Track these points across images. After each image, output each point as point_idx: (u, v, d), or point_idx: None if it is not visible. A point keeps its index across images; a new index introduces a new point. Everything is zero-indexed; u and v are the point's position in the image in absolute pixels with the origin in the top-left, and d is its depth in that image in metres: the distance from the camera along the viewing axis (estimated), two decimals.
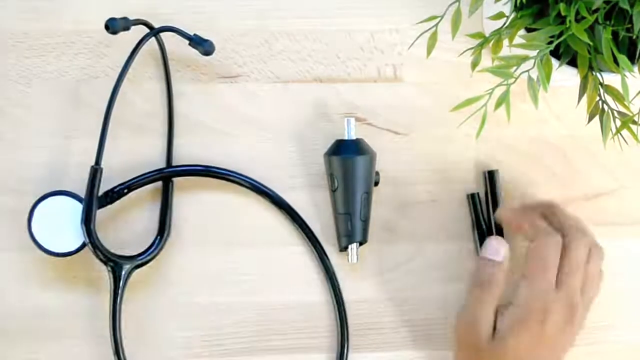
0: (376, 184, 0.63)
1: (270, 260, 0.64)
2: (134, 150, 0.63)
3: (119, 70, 0.59)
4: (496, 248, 0.59)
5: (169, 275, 0.63)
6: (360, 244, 0.63)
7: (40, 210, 0.59)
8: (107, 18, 0.58)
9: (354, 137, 0.62)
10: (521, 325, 0.56)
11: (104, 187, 0.60)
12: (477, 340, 0.57)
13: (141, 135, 0.63)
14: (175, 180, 0.63)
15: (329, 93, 0.65)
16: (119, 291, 0.59)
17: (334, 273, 0.63)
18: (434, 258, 0.65)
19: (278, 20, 0.64)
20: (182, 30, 0.60)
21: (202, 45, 0.60)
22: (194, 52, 0.63)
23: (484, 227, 0.64)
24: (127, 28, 0.59)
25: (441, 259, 0.65)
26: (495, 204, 0.64)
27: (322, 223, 0.64)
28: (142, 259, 0.61)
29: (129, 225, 0.63)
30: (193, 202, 0.63)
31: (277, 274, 0.64)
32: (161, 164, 0.63)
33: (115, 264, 0.59)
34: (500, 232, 0.64)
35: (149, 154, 0.63)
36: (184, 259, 0.63)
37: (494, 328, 0.57)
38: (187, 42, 0.61)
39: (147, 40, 0.60)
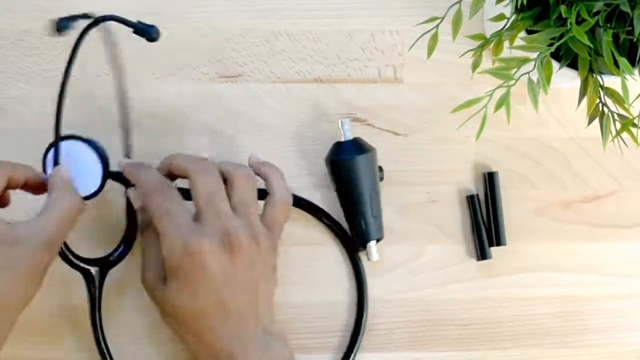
0: (381, 178, 0.63)
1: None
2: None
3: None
4: (133, 197, 0.57)
5: None
6: (378, 240, 0.63)
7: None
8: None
9: (350, 137, 0.62)
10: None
11: None
12: (149, 286, 0.55)
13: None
14: None
15: (329, 93, 0.65)
16: (95, 296, 0.58)
17: (362, 270, 0.63)
18: (434, 259, 0.65)
19: (279, 20, 0.64)
20: (124, 19, 0.58)
21: (146, 32, 0.58)
22: (194, 52, 0.63)
23: (483, 228, 0.64)
24: (70, 26, 0.58)
25: (441, 260, 0.65)
26: (495, 206, 0.64)
27: (322, 223, 0.64)
28: (113, 259, 0.60)
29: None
30: None
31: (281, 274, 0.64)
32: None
33: (83, 269, 0.58)
34: (499, 233, 0.64)
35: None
36: None
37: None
38: (187, 42, 0.61)
39: (89, 31, 0.58)
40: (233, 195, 0.55)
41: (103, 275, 0.59)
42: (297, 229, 0.63)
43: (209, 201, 0.54)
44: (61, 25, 0.56)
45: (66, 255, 0.58)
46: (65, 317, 0.62)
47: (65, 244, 0.58)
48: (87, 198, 0.56)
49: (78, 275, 0.61)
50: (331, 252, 0.64)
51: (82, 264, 0.58)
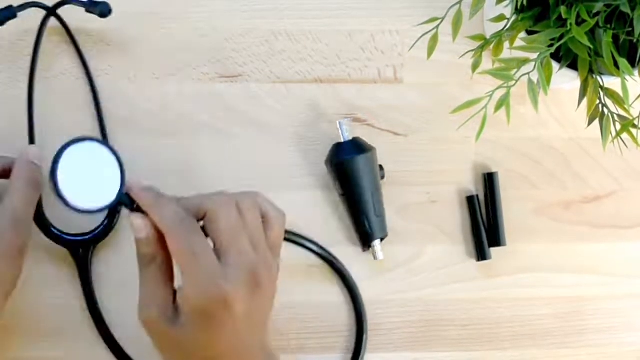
0: (382, 177, 0.63)
1: None
2: None
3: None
4: (138, 226, 0.51)
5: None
6: (382, 239, 0.63)
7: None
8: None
9: (349, 138, 0.62)
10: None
11: None
12: (151, 323, 0.51)
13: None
14: None
15: (329, 94, 0.65)
16: (87, 273, 0.61)
17: (350, 277, 0.63)
18: (434, 259, 0.65)
19: (279, 20, 0.64)
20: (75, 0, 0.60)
21: (97, 7, 0.59)
22: (194, 52, 0.63)
23: (482, 229, 0.64)
24: (13, 16, 0.59)
25: (440, 260, 0.65)
26: (495, 207, 0.64)
27: (323, 223, 0.64)
28: (96, 235, 0.61)
29: None
30: None
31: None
32: None
33: (71, 245, 0.60)
34: (498, 234, 0.64)
35: None
36: None
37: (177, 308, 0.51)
38: (187, 42, 0.61)
39: (49, 20, 0.60)
40: (248, 228, 0.52)
41: (91, 249, 0.61)
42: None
43: (232, 239, 0.51)
44: None
45: (53, 233, 0.60)
46: (65, 317, 0.62)
47: (51, 224, 0.60)
48: (90, 212, 0.50)
49: (75, 274, 0.61)
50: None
51: (70, 239, 0.60)
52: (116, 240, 0.62)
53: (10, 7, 0.59)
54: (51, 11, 0.61)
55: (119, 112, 0.63)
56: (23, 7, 0.59)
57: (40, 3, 0.60)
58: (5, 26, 0.59)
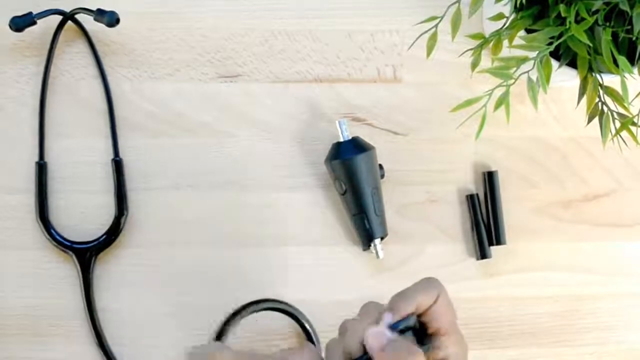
0: (382, 176, 0.63)
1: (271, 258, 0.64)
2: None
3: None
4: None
5: (166, 274, 0.63)
6: (382, 238, 0.63)
7: None
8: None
9: (349, 137, 0.62)
10: None
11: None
12: None
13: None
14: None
15: (329, 93, 0.65)
16: (89, 280, 0.61)
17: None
18: (433, 258, 0.65)
19: (278, 20, 0.64)
20: (87, 8, 0.61)
21: (104, 17, 0.60)
22: (194, 52, 0.63)
23: (482, 228, 0.64)
24: (32, 23, 0.60)
25: (441, 260, 0.65)
26: (495, 205, 0.64)
27: (323, 223, 0.64)
28: (101, 242, 0.61)
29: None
30: (197, 204, 0.63)
31: (275, 273, 0.64)
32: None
33: (76, 251, 0.61)
34: (499, 233, 0.64)
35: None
36: (184, 258, 0.63)
37: None
38: (187, 42, 0.61)
39: (65, 24, 0.61)
40: None
41: (94, 257, 0.61)
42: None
43: None
44: (17, 23, 0.58)
45: (58, 239, 0.61)
46: (65, 317, 0.62)
47: (53, 229, 0.61)
48: None
49: (77, 277, 0.61)
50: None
51: (75, 246, 0.61)
52: (117, 251, 0.62)
53: (30, 13, 0.60)
54: (69, 16, 0.61)
55: (118, 112, 0.63)
56: (43, 13, 0.60)
57: (60, 10, 0.61)
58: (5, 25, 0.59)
